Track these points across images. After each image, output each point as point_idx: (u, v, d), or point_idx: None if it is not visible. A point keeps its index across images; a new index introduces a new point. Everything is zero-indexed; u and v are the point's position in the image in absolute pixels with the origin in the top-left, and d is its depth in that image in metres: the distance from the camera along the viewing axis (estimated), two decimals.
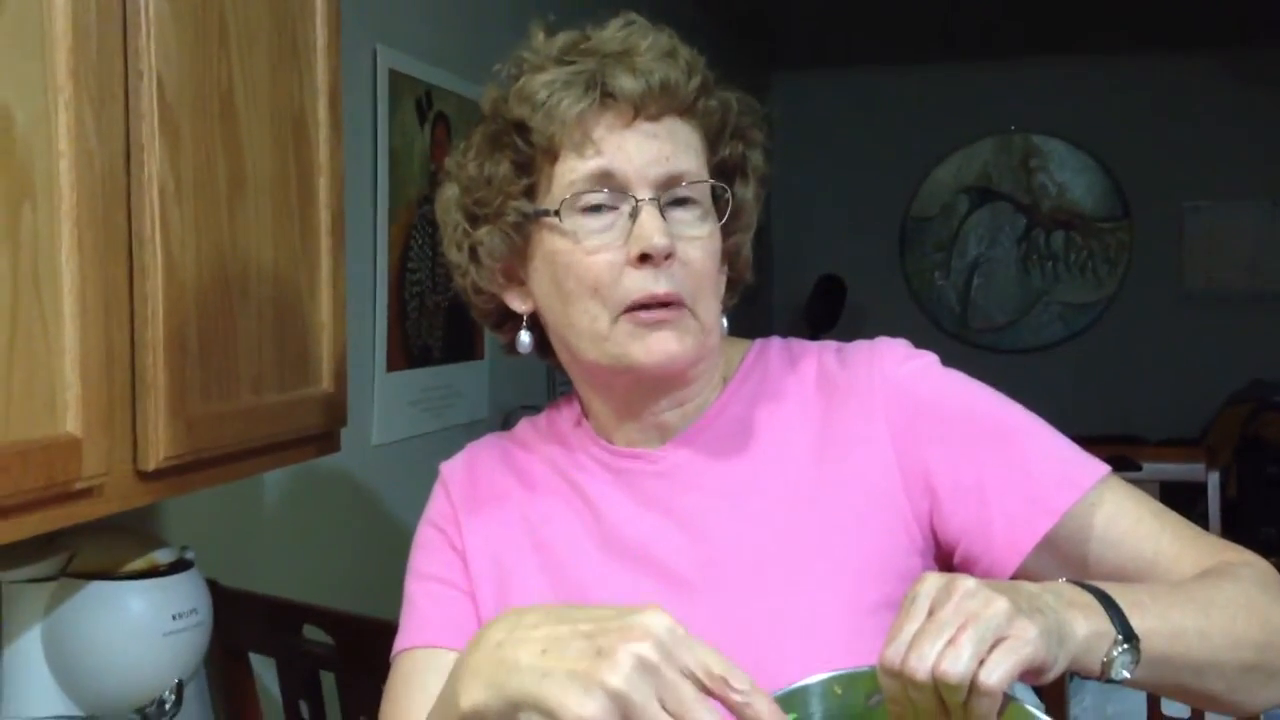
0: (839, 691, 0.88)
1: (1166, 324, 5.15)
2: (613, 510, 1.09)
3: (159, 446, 1.18)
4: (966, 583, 0.79)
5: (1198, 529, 1.03)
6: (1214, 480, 3.30)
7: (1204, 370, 4.94)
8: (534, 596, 1.08)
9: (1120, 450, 1.82)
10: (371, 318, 2.36)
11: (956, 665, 0.75)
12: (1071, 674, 1.15)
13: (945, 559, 1.06)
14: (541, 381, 3.13)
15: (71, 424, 1.07)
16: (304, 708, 1.81)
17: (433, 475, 1.20)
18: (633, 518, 1.08)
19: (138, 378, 1.17)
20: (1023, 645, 0.76)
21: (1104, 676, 0.85)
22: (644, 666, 0.73)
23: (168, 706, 1.38)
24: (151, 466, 1.18)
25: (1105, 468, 1.03)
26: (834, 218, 5.55)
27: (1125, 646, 0.84)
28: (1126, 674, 0.84)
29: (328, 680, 1.79)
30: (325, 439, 1.54)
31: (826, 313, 5.18)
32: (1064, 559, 1.01)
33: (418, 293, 2.51)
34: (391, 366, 2.41)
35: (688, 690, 0.73)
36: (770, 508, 1.05)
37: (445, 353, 2.64)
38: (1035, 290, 5.44)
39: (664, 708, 0.72)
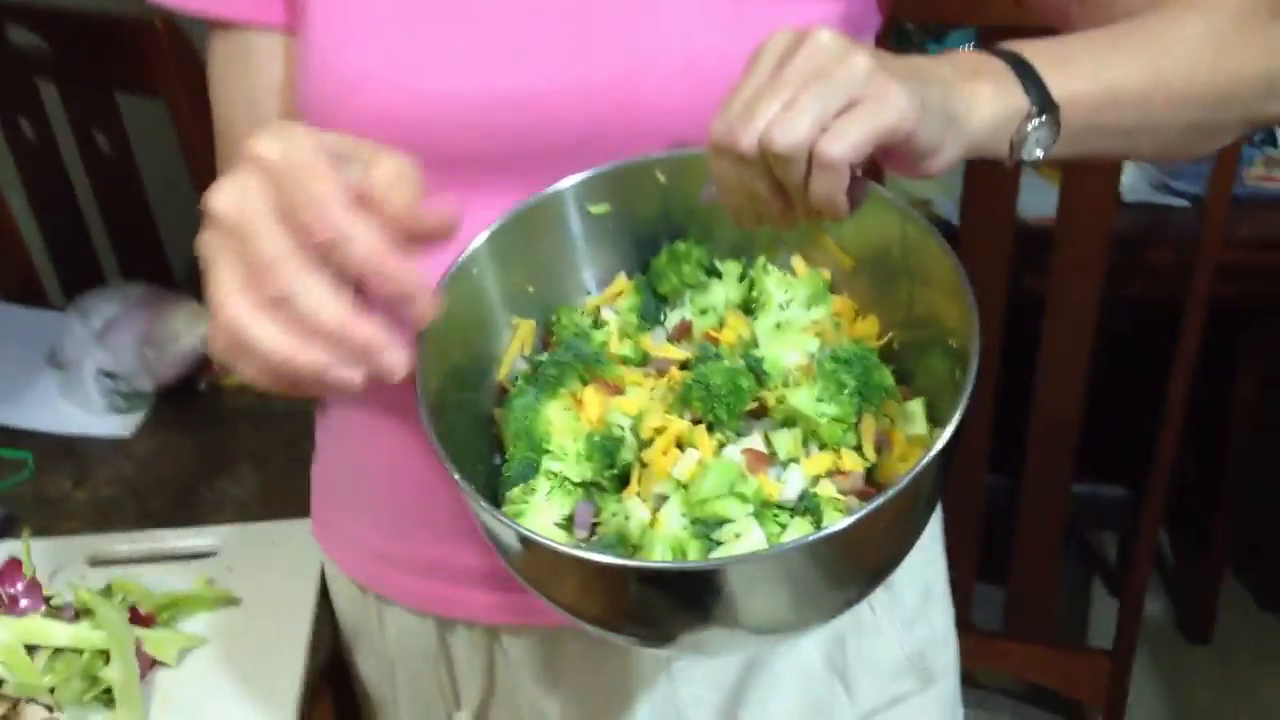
0: (662, 179, 0.72)
1: None
2: None
3: None
4: (821, 35, 0.60)
5: None
6: None
7: None
8: None
9: None
10: None
11: (788, 131, 0.58)
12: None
13: None
14: None
15: None
16: (25, 125, 1.64)
17: None
18: None
19: None
20: (881, 109, 0.58)
21: (1014, 159, 0.68)
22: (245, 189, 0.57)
23: None
24: None
25: None
26: None
27: (1040, 120, 0.67)
28: (1040, 153, 0.68)
29: (48, 91, 1.63)
30: None
31: None
32: None
33: None
34: None
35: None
36: None
37: None
38: None
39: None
